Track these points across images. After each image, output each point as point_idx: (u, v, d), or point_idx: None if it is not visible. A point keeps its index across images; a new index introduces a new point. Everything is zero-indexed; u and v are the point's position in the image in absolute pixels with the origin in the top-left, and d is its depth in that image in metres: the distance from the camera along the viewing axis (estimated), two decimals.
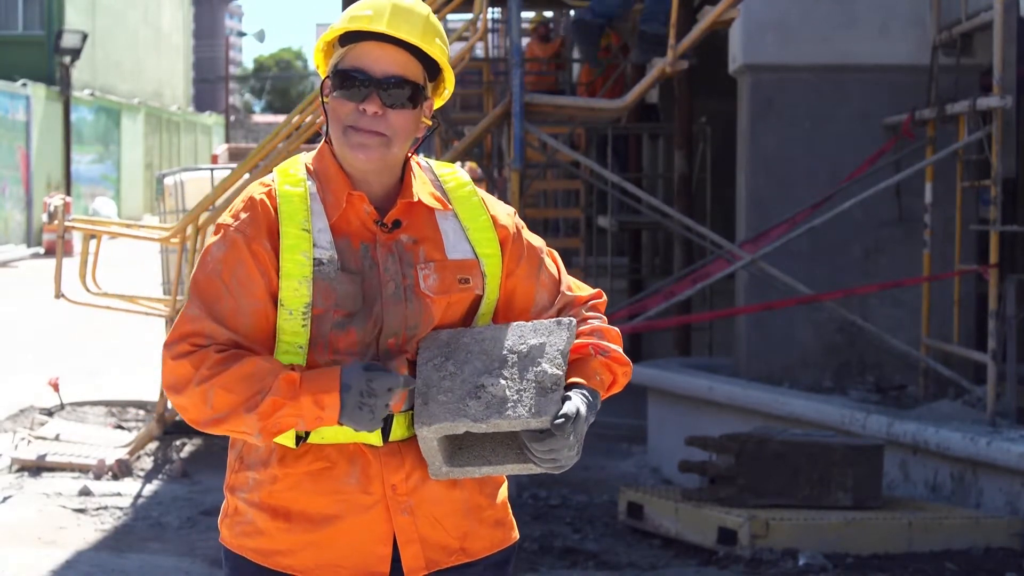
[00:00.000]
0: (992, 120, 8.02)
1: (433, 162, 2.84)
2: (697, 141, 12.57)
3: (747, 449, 7.04)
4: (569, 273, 2.93)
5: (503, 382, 2.60)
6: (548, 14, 18.48)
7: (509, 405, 2.58)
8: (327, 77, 2.72)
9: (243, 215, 2.68)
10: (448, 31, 17.47)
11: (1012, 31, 8.19)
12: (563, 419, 2.55)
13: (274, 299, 2.65)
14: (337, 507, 2.67)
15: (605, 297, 2.85)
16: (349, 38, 2.68)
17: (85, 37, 32.06)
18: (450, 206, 2.77)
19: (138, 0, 41.10)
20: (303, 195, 2.69)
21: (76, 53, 31.66)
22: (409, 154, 2.77)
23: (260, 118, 65.77)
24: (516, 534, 2.85)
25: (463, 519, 2.74)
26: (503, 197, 12.28)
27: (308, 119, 9.55)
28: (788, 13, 9.43)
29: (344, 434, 2.66)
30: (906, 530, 6.80)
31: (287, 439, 2.68)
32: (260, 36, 62.59)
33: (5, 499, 7.85)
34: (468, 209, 2.77)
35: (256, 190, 2.72)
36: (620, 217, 13.55)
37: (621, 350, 2.75)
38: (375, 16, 2.65)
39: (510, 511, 2.85)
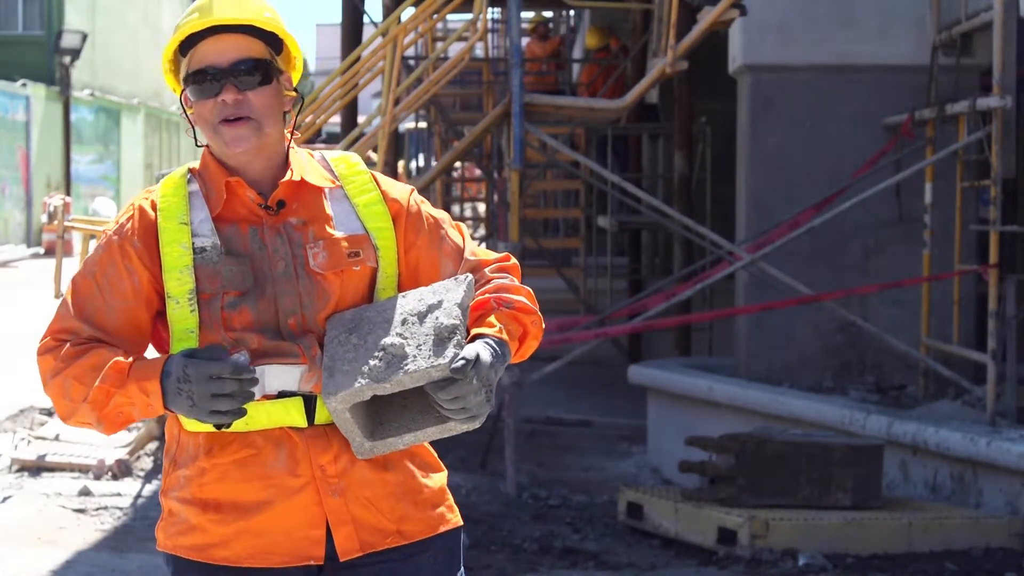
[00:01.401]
0: (992, 120, 8.02)
1: (326, 152, 2.91)
2: (697, 141, 12.57)
3: (747, 449, 7.04)
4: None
5: (401, 340, 2.63)
6: (548, 14, 18.49)
7: (408, 360, 2.60)
8: (183, 91, 2.78)
9: (122, 219, 2.78)
10: (448, 31, 17.49)
11: (1012, 31, 8.18)
12: (462, 362, 2.55)
13: (146, 297, 2.72)
14: (266, 492, 2.69)
15: (515, 261, 2.87)
16: (187, 45, 2.75)
17: (85, 37, 32.05)
18: (338, 183, 2.82)
19: (138, 0, 41.10)
20: (183, 193, 2.78)
21: (76, 53, 31.65)
22: (289, 137, 2.84)
23: None
24: (458, 519, 2.85)
25: (399, 501, 2.75)
26: (503, 197, 12.28)
27: (308, 119, 9.55)
28: (788, 13, 9.43)
29: (268, 417, 2.68)
30: (906, 530, 6.81)
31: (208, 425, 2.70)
32: None
33: (5, 499, 7.85)
34: (357, 187, 2.82)
35: (139, 198, 2.82)
36: (620, 217, 13.56)
37: (527, 302, 2.75)
38: (201, 14, 2.73)
39: (449, 497, 2.86)
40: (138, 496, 8.03)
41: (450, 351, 2.59)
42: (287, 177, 2.77)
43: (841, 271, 9.38)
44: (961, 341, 8.86)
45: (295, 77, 2.85)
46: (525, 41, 15.95)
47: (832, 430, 7.80)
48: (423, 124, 20.89)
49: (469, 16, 11.22)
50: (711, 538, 6.87)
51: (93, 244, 8.96)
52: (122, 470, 8.45)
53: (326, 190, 2.80)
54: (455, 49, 11.09)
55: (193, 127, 2.79)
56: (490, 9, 13.73)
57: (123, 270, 2.72)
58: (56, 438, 9.10)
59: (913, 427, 7.58)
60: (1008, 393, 8.03)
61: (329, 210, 2.79)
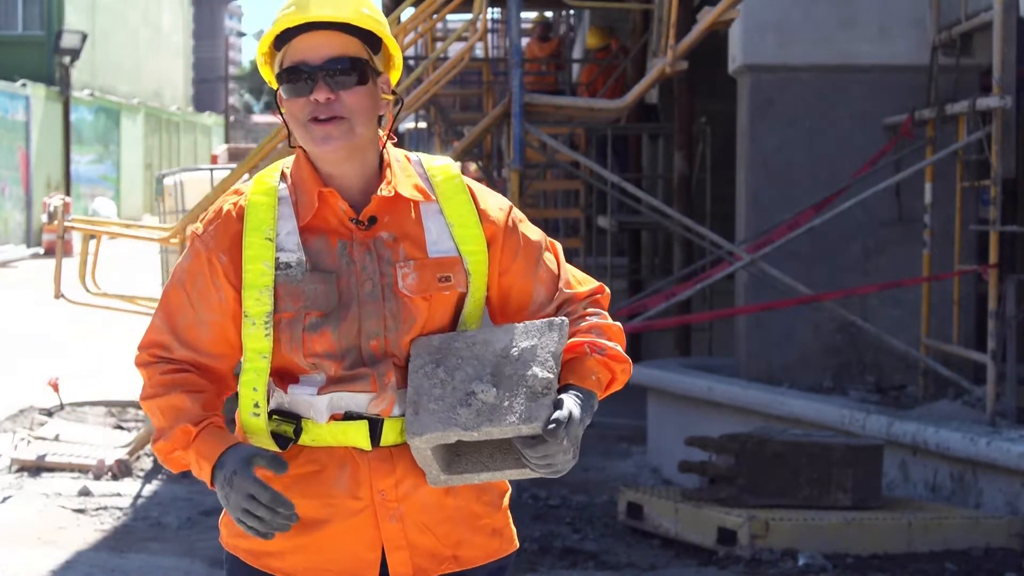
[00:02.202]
0: (992, 120, 8.02)
1: (424, 156, 2.79)
2: (697, 141, 12.57)
3: (747, 449, 7.04)
4: None
5: (493, 389, 2.54)
6: (548, 14, 18.50)
7: (500, 412, 2.52)
8: (278, 87, 2.69)
9: (210, 225, 2.70)
10: (448, 31, 17.48)
11: (1012, 31, 8.18)
12: (555, 424, 2.49)
13: (232, 312, 2.66)
14: (325, 511, 2.65)
15: (608, 291, 2.77)
16: (283, 39, 2.66)
17: (85, 37, 32.07)
18: (433, 198, 2.70)
19: (138, 0, 41.09)
20: (271, 203, 2.67)
21: (76, 53, 31.67)
22: (384, 143, 2.74)
23: (260, 118, 65.85)
24: (515, 543, 2.81)
25: (456, 527, 2.70)
26: None
27: None
28: (788, 13, 9.43)
29: (333, 437, 2.65)
30: (906, 530, 6.80)
31: (271, 443, 2.67)
32: (259, 36, 62.61)
33: (5, 499, 7.85)
34: (454, 205, 2.70)
35: (228, 199, 2.72)
36: (620, 217, 13.55)
37: (620, 347, 2.67)
38: (298, 8, 2.63)
39: (511, 521, 2.80)
40: (138, 496, 8.03)
41: (544, 411, 2.50)
42: (380, 191, 2.66)
43: (841, 271, 9.38)
44: (961, 341, 8.86)
45: (394, 78, 2.75)
46: (525, 41, 15.95)
47: (832, 430, 7.80)
48: (423, 124, 20.91)
49: (469, 16, 11.21)
50: (711, 538, 6.87)
51: (93, 244, 8.97)
52: (122, 470, 8.45)
53: (420, 204, 2.70)
54: (455, 49, 11.08)
55: (287, 127, 2.69)
56: (490, 9, 13.73)
57: (210, 284, 2.66)
58: (56, 438, 9.10)
59: (913, 427, 7.58)
60: (1008, 393, 8.03)
61: (422, 226, 2.68)
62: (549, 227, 18.90)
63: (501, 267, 2.71)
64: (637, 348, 12.61)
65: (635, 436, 10.02)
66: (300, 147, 2.71)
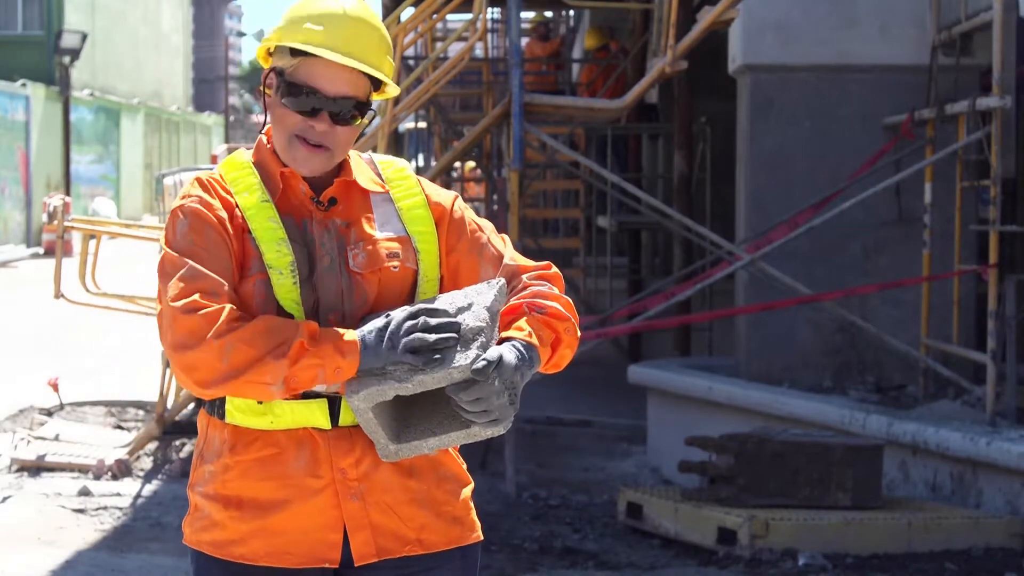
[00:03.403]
0: (992, 120, 8.02)
1: (374, 154, 2.92)
2: (697, 141, 12.57)
3: (747, 449, 7.05)
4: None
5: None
6: (548, 14, 18.51)
7: (431, 362, 2.59)
8: (271, 71, 2.75)
9: (195, 191, 2.74)
10: (448, 31, 17.49)
11: (1012, 31, 8.18)
12: (483, 363, 2.54)
13: (236, 259, 2.69)
14: (285, 492, 2.68)
15: (557, 271, 2.86)
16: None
17: (85, 37, 32.06)
18: (386, 187, 2.83)
19: (138, 0, 41.09)
20: (251, 172, 2.77)
21: (76, 53, 31.66)
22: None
23: (259, 118, 65.84)
24: (479, 534, 2.85)
25: (420, 510, 2.75)
26: (503, 197, 12.30)
27: None
28: (788, 13, 9.43)
29: (293, 414, 2.68)
30: (906, 530, 6.81)
31: (248, 415, 2.69)
32: (260, 36, 62.66)
33: (5, 499, 7.84)
34: (403, 190, 2.84)
35: (202, 175, 2.79)
36: (620, 217, 13.56)
37: (561, 308, 2.73)
38: (329, 34, 2.69)
39: (472, 512, 2.84)
40: (138, 496, 8.03)
41: (472, 352, 2.58)
42: (342, 176, 2.78)
43: (841, 271, 9.38)
44: (961, 341, 8.86)
45: (377, 96, 2.83)
46: (525, 41, 15.95)
47: (832, 430, 7.80)
48: (423, 124, 20.91)
49: (469, 16, 11.21)
50: (711, 538, 6.87)
51: (93, 244, 8.96)
52: (122, 470, 8.45)
53: (373, 194, 2.82)
54: (455, 49, 11.09)
55: (266, 111, 2.77)
56: (490, 9, 13.74)
57: (221, 232, 2.68)
58: (56, 438, 9.10)
59: (913, 427, 7.58)
60: (1008, 393, 8.02)
61: (373, 213, 2.80)
62: (549, 227, 18.91)
63: (448, 246, 2.82)
64: (637, 348, 12.62)
65: (635, 436, 10.02)
66: (262, 135, 2.81)
